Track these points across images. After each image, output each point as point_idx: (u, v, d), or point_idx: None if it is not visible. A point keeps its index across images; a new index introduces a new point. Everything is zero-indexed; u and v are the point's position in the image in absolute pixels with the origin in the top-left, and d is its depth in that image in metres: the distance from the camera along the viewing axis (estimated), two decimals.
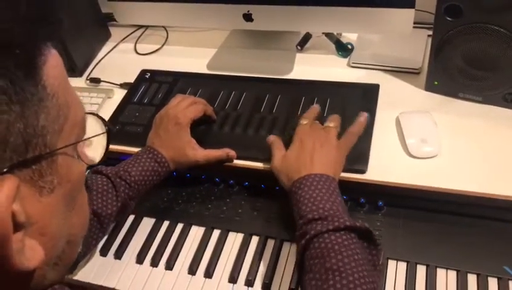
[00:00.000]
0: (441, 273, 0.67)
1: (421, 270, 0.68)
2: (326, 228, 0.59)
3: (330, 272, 0.55)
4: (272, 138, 0.77)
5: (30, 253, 0.32)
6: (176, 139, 0.77)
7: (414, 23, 0.85)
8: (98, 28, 1.18)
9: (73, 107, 0.36)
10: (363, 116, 0.75)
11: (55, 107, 0.34)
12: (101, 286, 0.73)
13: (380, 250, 0.61)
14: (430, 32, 0.83)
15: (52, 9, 0.35)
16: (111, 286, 0.72)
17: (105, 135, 0.42)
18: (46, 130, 0.33)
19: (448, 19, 0.77)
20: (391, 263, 0.69)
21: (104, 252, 0.77)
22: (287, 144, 0.74)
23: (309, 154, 0.69)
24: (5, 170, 0.30)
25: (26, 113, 0.31)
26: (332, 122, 0.74)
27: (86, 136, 0.39)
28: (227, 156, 0.78)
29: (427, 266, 0.68)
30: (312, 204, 0.63)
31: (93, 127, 0.41)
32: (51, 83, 0.33)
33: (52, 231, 0.35)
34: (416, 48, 0.98)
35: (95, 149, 0.41)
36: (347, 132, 0.73)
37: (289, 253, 0.73)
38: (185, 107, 0.81)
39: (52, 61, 0.34)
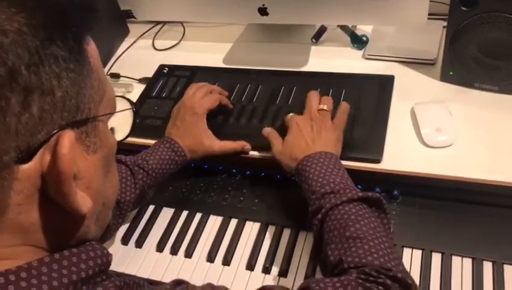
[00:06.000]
0: (456, 260, 0.68)
1: (436, 258, 0.68)
2: (340, 200, 0.62)
3: (351, 239, 0.57)
4: (268, 129, 0.80)
5: (82, 200, 0.38)
6: (192, 129, 0.80)
7: (429, 14, 0.85)
8: (117, 24, 1.20)
9: (108, 85, 0.43)
10: (344, 103, 0.78)
11: (96, 80, 0.40)
12: (122, 273, 0.75)
13: (389, 219, 0.64)
14: (445, 24, 0.82)
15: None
16: (132, 273, 0.74)
17: (131, 111, 0.51)
18: (91, 98, 0.39)
19: (463, 8, 0.77)
20: (406, 251, 0.70)
21: (125, 241, 0.79)
22: (282, 134, 0.77)
23: (309, 136, 0.72)
24: (64, 125, 0.36)
25: (79, 81, 0.37)
26: (326, 105, 0.77)
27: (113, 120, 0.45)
28: (242, 149, 0.81)
29: (442, 253, 0.68)
30: (323, 179, 0.65)
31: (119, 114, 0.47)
32: (92, 61, 0.40)
33: (94, 187, 0.41)
34: (431, 39, 0.98)
35: (116, 133, 0.47)
36: (339, 112, 0.77)
37: (305, 242, 0.74)
38: (201, 97, 0.83)
39: (91, 44, 0.41)
